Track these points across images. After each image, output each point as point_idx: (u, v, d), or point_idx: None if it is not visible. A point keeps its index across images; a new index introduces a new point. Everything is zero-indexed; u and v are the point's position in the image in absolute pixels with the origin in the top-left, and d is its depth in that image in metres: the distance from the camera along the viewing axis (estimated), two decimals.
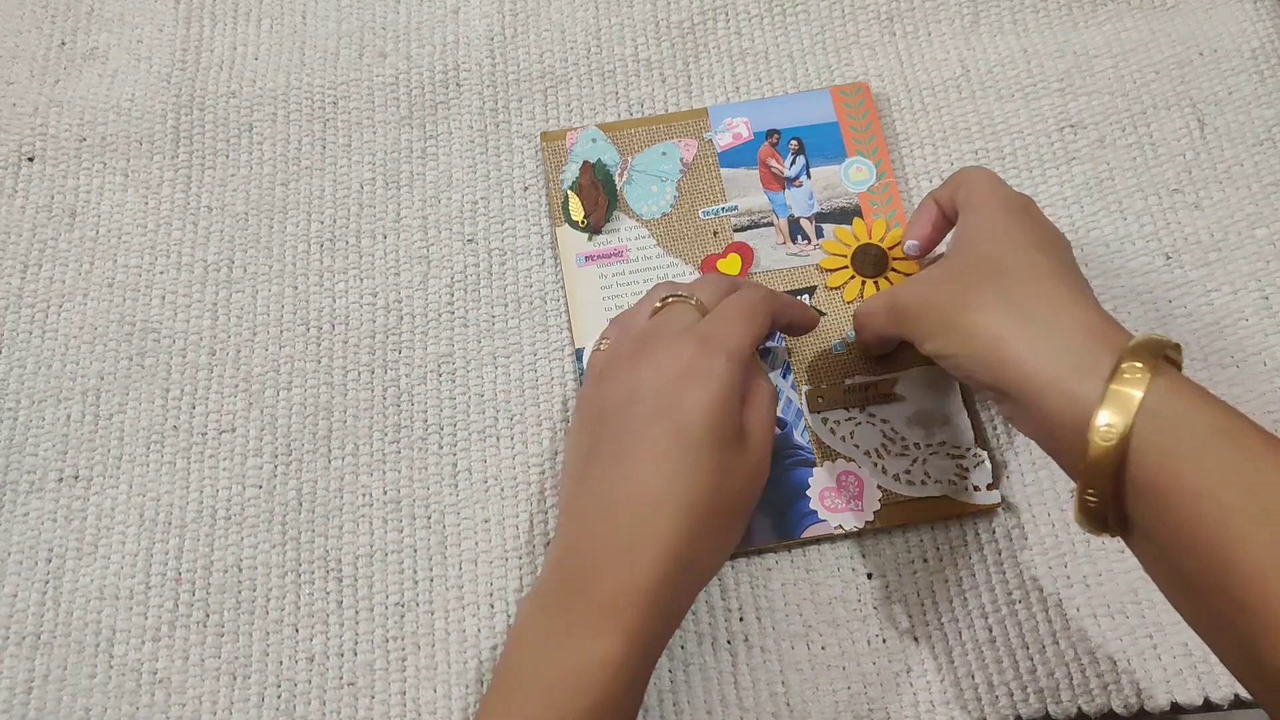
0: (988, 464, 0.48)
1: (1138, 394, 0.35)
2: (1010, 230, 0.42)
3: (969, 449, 0.49)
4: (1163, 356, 0.36)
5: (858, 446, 0.49)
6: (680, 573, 0.38)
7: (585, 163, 0.55)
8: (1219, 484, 0.34)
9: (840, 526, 0.48)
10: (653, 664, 0.39)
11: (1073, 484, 0.37)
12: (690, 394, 0.39)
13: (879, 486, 0.48)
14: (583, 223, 0.54)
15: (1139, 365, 0.36)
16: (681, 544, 0.38)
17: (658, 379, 0.40)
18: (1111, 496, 0.36)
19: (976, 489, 0.48)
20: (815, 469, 0.49)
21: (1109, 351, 0.37)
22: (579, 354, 0.51)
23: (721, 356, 0.40)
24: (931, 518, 0.48)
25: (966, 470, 0.48)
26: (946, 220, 0.47)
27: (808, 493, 0.48)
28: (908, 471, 0.48)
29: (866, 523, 0.48)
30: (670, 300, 0.44)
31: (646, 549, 0.38)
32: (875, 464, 0.49)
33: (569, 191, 0.54)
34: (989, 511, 0.48)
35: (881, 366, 0.50)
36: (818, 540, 0.48)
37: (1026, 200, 0.44)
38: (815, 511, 0.48)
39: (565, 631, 0.38)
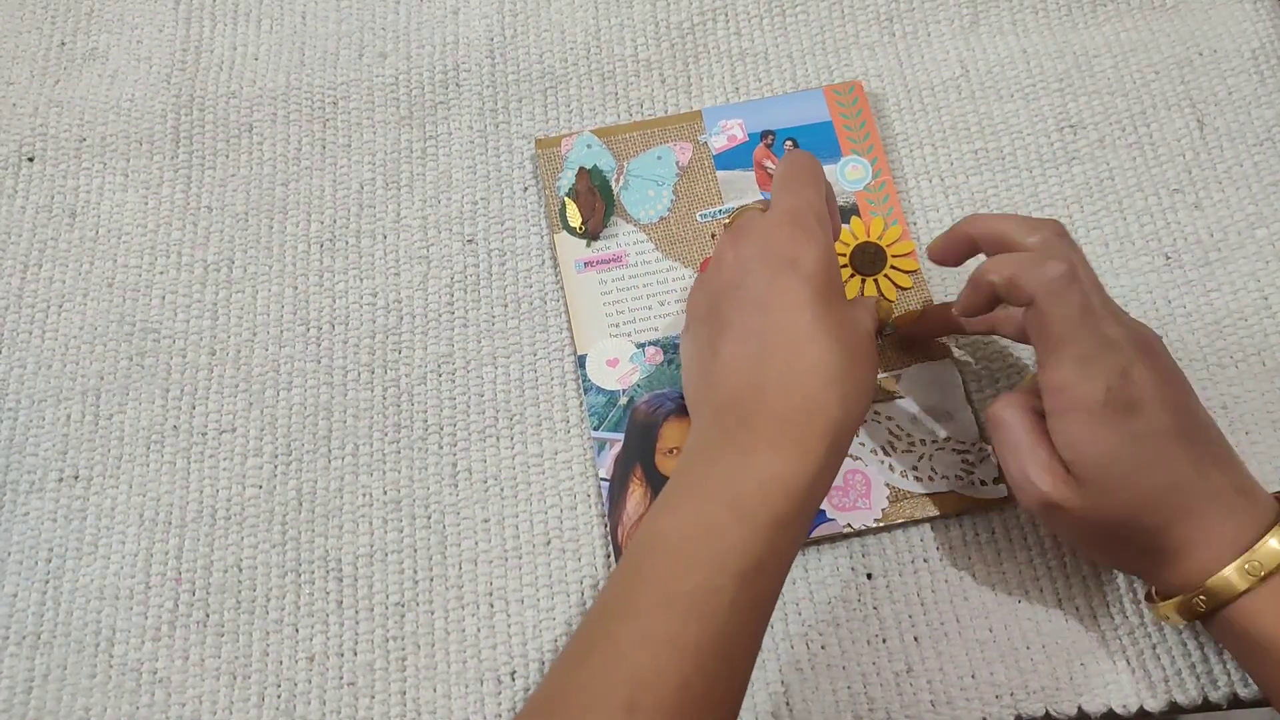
0: (993, 458, 0.48)
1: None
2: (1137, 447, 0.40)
3: (974, 444, 0.49)
4: None
5: (864, 445, 0.49)
6: (840, 400, 0.40)
7: (581, 169, 0.55)
8: None
9: (849, 525, 0.48)
10: (824, 491, 0.41)
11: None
12: (803, 252, 0.42)
13: (886, 484, 0.48)
14: (580, 229, 0.54)
15: None
16: (837, 372, 0.40)
17: (766, 250, 0.43)
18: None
19: (983, 483, 0.48)
20: None
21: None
22: (581, 360, 0.51)
23: (811, 219, 0.43)
24: (940, 513, 0.48)
25: (972, 465, 0.48)
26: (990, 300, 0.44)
27: None
28: (914, 468, 0.48)
29: (875, 520, 0.48)
30: (739, 210, 0.48)
31: (809, 375, 0.40)
32: (882, 462, 0.49)
33: (566, 198, 0.54)
34: (994, 506, 0.48)
35: (885, 364, 0.50)
36: (818, 540, 0.48)
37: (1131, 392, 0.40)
38: (824, 511, 0.48)
39: (744, 456, 0.39)
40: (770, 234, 0.43)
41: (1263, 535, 0.39)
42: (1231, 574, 0.38)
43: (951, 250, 0.45)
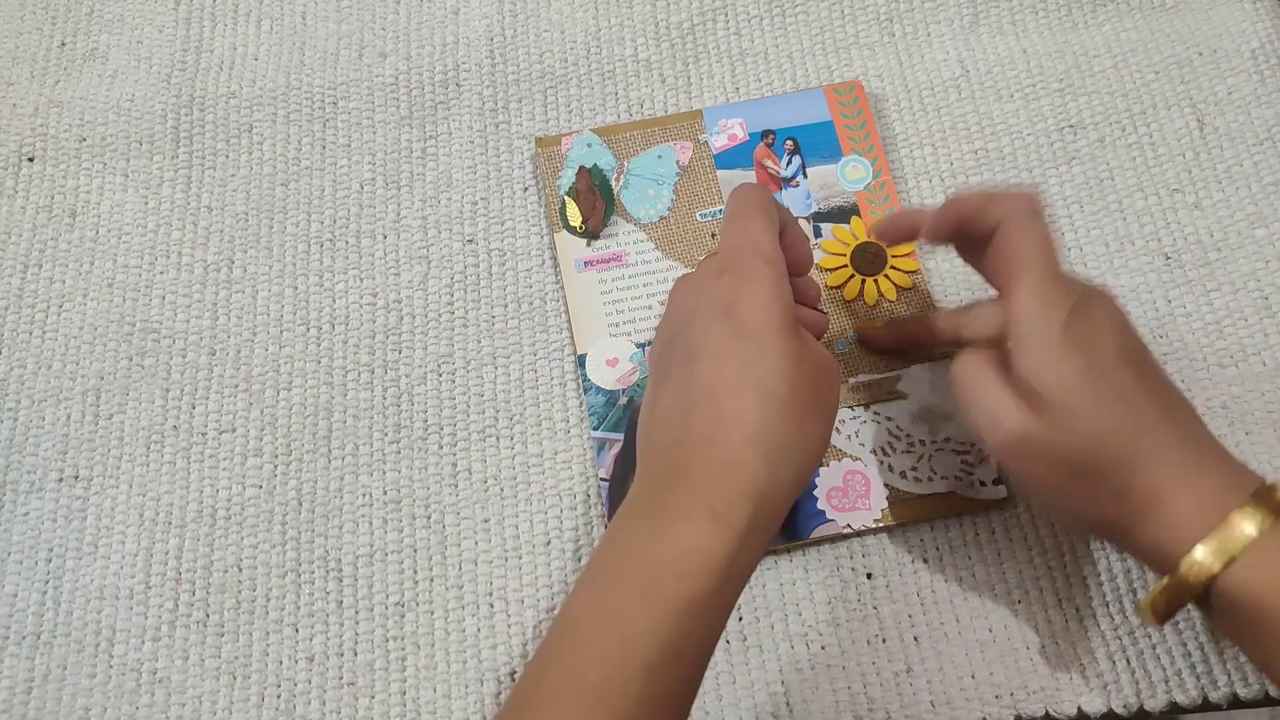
0: (991, 461, 0.48)
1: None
2: (1111, 395, 0.38)
3: (974, 444, 0.49)
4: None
5: (864, 445, 0.49)
6: (765, 459, 0.38)
7: (581, 168, 0.55)
8: None
9: (849, 526, 0.48)
10: (750, 563, 0.38)
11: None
12: (737, 295, 0.40)
13: (886, 485, 0.48)
14: (581, 228, 0.54)
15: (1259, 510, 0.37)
16: (761, 427, 0.38)
17: (702, 295, 0.41)
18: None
19: (983, 484, 0.48)
20: (822, 469, 0.49)
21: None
22: (581, 360, 0.51)
23: (750, 256, 0.41)
24: (939, 514, 0.48)
25: (971, 466, 0.48)
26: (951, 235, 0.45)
27: (815, 493, 0.48)
28: (914, 469, 0.48)
29: (875, 521, 0.48)
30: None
31: (728, 434, 0.38)
32: (882, 462, 0.49)
33: (566, 197, 0.54)
34: (994, 507, 0.48)
35: (885, 364, 0.50)
36: (818, 540, 0.48)
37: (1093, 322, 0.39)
38: (823, 511, 0.48)
39: (658, 527, 0.37)
40: (706, 277, 0.42)
41: (1239, 505, 0.36)
42: (1203, 554, 0.36)
43: (898, 231, 0.46)
